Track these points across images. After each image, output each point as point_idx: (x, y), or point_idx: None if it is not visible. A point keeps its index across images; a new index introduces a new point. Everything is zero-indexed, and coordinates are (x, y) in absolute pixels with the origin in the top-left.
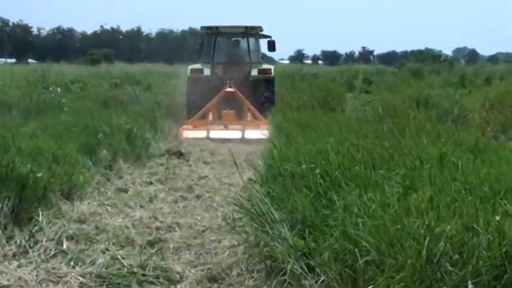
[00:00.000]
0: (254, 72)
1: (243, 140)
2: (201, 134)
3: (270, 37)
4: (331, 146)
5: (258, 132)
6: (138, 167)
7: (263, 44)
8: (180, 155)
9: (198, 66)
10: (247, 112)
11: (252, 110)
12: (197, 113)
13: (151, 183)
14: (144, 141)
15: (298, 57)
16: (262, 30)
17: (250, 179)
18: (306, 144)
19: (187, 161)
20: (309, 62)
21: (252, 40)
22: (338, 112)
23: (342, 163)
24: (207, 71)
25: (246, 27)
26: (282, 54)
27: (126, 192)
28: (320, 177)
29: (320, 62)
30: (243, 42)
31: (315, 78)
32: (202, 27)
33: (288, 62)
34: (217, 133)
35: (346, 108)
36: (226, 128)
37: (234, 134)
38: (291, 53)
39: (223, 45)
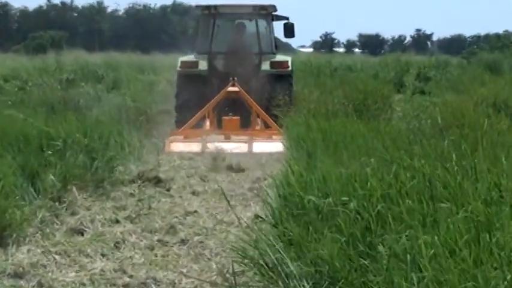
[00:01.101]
0: (265, 66)
1: (250, 155)
2: (194, 147)
3: (286, 18)
4: (372, 169)
5: (270, 146)
6: (99, 198)
7: (277, 27)
8: (158, 181)
9: (191, 57)
10: (256, 118)
11: (262, 116)
12: (190, 119)
13: (117, 221)
14: (108, 162)
15: (326, 43)
16: (276, 10)
17: (257, 217)
18: (336, 167)
19: (168, 190)
20: (341, 50)
21: (262, 23)
22: (382, 121)
23: (388, 194)
24: (203, 65)
25: (254, 6)
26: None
27: (82, 234)
28: (356, 214)
29: (357, 50)
30: (251, 26)
31: (349, 73)
32: (197, 6)
33: (311, 50)
34: (216, 146)
35: (394, 115)
36: (228, 139)
37: (238, 147)
38: (316, 38)
39: (224, 30)
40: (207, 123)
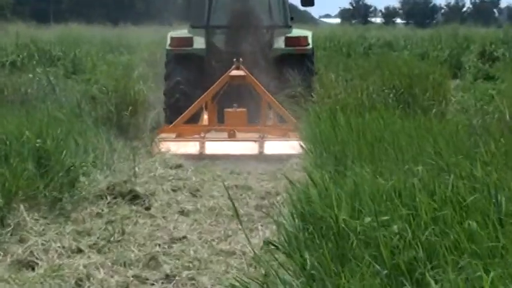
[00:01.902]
0: (279, 43)
1: (261, 158)
2: (189, 147)
3: None
4: (421, 180)
5: (286, 146)
6: (55, 220)
7: None
8: (134, 196)
9: (183, 33)
10: (268, 111)
11: (275, 107)
12: (183, 112)
13: (79, 251)
14: (67, 172)
15: (359, 12)
16: None
17: (267, 243)
18: (373, 177)
19: (147, 208)
20: (379, 21)
21: None
22: (434, 116)
23: (441, 213)
24: (198, 42)
25: None
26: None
27: (33, 268)
28: (400, 240)
29: (399, 21)
30: None
31: (389, 51)
32: None
33: (338, 21)
34: (217, 146)
35: (450, 108)
36: (232, 137)
37: (245, 147)
38: (346, 5)
39: None
40: (205, 116)
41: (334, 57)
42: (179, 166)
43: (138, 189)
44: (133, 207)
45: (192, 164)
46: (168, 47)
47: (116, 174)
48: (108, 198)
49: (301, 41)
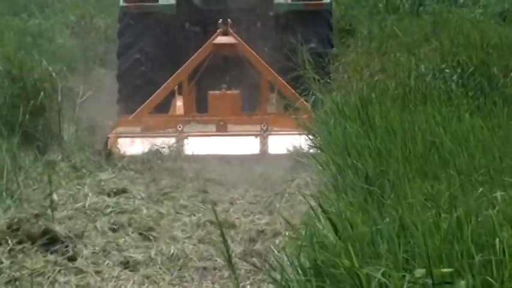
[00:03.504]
0: None
1: (263, 159)
2: (162, 145)
3: None
4: (502, 213)
5: (296, 142)
6: None
7: None
8: (51, 240)
9: None
10: (269, 93)
11: (281, 87)
12: (147, 98)
13: None
14: None
15: None
16: None
17: None
18: (425, 207)
19: (71, 259)
20: None
21: None
22: None
23: None
24: None
25: None
26: None
27: None
28: None
29: None
30: None
31: (451, 9)
32: None
33: None
34: (201, 144)
35: None
36: (222, 130)
37: (241, 144)
38: None
39: None
40: (178, 103)
41: (365, 17)
42: (122, 191)
43: (57, 228)
44: (50, 257)
45: (143, 187)
46: (122, 3)
47: (22, 205)
48: (10, 242)
49: None
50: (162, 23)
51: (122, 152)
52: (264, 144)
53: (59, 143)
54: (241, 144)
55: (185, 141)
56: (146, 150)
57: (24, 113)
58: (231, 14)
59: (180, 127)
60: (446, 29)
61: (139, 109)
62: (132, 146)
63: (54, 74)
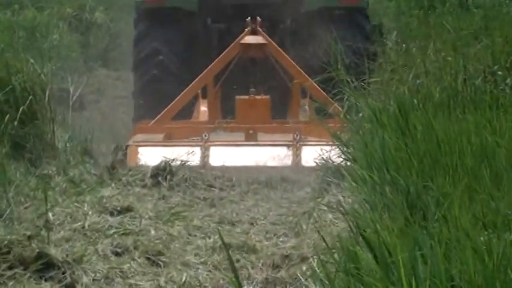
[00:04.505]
0: None
1: (296, 172)
2: (185, 154)
3: None
4: None
5: (331, 153)
6: None
7: None
8: (45, 266)
9: None
10: (301, 99)
11: (313, 91)
12: (164, 99)
13: None
14: None
15: None
16: None
17: None
18: (478, 231)
19: (69, 286)
20: None
21: None
22: None
23: None
24: None
25: None
26: None
27: None
28: None
29: None
30: None
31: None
32: None
33: None
34: (228, 154)
35: None
36: (251, 139)
37: (271, 154)
38: None
39: None
40: (202, 108)
41: (406, 11)
42: (127, 209)
43: (53, 251)
44: (45, 285)
45: (150, 204)
46: None
47: (12, 225)
48: (0, 267)
49: None
50: (182, 17)
51: (142, 162)
52: (296, 155)
53: (54, 154)
54: (272, 154)
55: (211, 149)
56: (169, 159)
57: (13, 120)
58: (258, 10)
59: (206, 135)
60: (499, 24)
61: (160, 114)
62: (154, 155)
63: (45, 75)
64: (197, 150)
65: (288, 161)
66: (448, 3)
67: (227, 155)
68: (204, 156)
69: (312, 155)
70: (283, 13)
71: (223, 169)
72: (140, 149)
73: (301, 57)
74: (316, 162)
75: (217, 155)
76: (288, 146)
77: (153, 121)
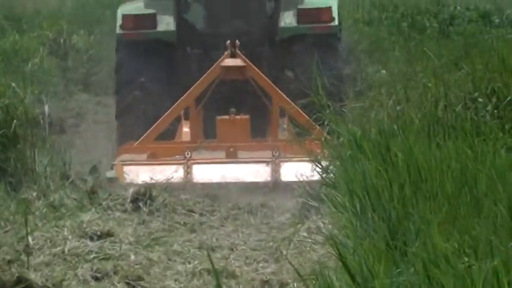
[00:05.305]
0: (288, 19)
1: (275, 189)
2: (169, 172)
3: None
4: None
5: (310, 169)
6: None
7: None
8: None
9: (140, 7)
10: (280, 117)
11: (290, 112)
12: (145, 120)
13: None
14: None
15: None
16: None
17: None
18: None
19: None
20: None
21: None
22: None
23: None
24: (165, 21)
25: None
26: None
27: None
28: None
29: None
30: None
31: (485, 29)
32: None
33: None
34: (210, 171)
35: None
36: (232, 156)
37: (252, 172)
38: None
39: None
40: (185, 129)
41: (386, 38)
42: (107, 234)
43: (33, 276)
44: None
45: (130, 229)
46: (119, 31)
47: None
48: None
49: (321, 14)
50: (162, 47)
51: (128, 180)
52: (275, 172)
53: (34, 179)
54: (251, 171)
55: (193, 168)
56: (153, 178)
57: None
58: (235, 38)
59: (188, 154)
60: (480, 52)
61: (144, 135)
62: (136, 174)
63: (27, 99)
64: (180, 168)
65: (268, 177)
66: (429, 30)
67: (209, 172)
68: (187, 174)
69: (290, 171)
70: (260, 40)
71: (205, 186)
72: (125, 168)
73: (279, 81)
74: (295, 184)
75: (199, 172)
76: (267, 162)
77: (137, 142)
